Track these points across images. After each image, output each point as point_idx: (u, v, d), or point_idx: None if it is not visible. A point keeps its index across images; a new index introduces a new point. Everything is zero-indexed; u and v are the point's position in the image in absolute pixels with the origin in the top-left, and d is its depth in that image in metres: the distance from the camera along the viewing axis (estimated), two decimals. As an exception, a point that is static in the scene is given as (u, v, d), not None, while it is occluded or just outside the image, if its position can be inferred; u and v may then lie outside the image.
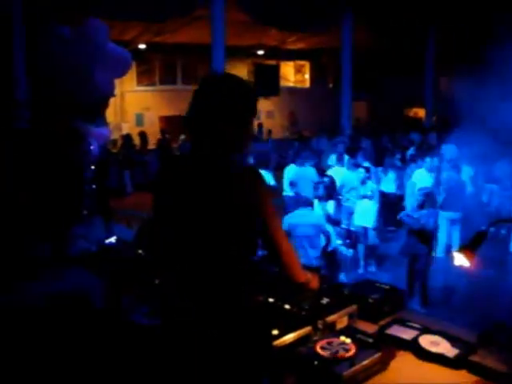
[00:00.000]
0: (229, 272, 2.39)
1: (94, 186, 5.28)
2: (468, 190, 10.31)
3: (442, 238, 9.58)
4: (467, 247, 2.75)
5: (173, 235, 2.47)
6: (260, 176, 2.42)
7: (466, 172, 10.58)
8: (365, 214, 9.26)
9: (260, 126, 20.33)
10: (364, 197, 9.25)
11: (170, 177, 2.50)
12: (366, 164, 10.54)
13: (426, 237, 7.45)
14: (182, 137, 16.46)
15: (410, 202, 9.97)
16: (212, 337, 2.36)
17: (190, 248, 2.41)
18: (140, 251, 3.82)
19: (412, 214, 7.59)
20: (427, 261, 7.41)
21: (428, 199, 7.65)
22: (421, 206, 7.55)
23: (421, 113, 23.23)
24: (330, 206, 8.26)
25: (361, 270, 9.08)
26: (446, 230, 9.63)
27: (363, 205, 9.26)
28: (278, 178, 11.01)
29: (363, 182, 9.29)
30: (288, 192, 10.43)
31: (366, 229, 9.27)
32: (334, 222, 8.02)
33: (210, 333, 2.36)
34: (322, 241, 7.46)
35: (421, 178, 10.56)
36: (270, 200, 2.44)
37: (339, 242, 8.46)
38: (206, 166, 2.39)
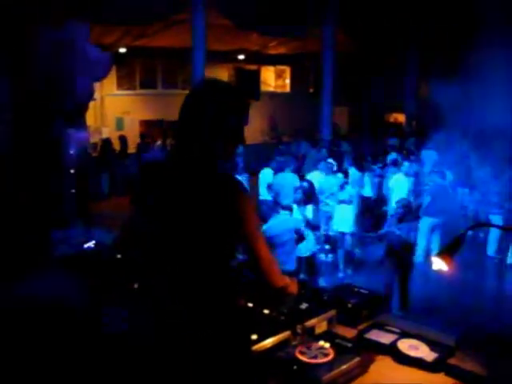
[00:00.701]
0: (208, 276, 2.38)
1: (73, 191, 5.24)
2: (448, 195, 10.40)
3: (421, 242, 9.65)
4: (445, 252, 2.76)
5: (153, 239, 2.46)
6: (241, 184, 2.41)
7: (448, 176, 10.68)
8: (343, 220, 9.31)
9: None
10: (342, 202, 9.30)
11: (152, 181, 2.49)
12: (351, 169, 10.62)
13: (407, 249, 7.49)
14: (159, 142, 16.47)
15: (390, 207, 10.07)
16: (189, 341, 2.35)
17: (169, 252, 2.40)
18: (119, 255, 3.79)
19: (393, 230, 7.60)
20: (407, 271, 7.44)
21: (407, 211, 7.69)
22: (400, 220, 7.56)
23: (401, 118, 23.41)
24: (309, 210, 8.27)
25: (340, 275, 9.12)
26: (426, 235, 9.70)
27: (341, 210, 9.31)
28: (252, 182, 11.00)
29: (342, 187, 9.34)
30: (265, 196, 10.42)
31: (343, 234, 9.32)
32: (312, 226, 8.03)
33: (187, 336, 2.35)
34: (301, 246, 7.48)
35: (399, 182, 10.65)
36: (251, 208, 2.43)
37: (318, 246, 8.48)
38: (190, 171, 2.38)
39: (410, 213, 7.81)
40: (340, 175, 9.57)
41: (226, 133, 2.42)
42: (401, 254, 7.36)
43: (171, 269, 2.40)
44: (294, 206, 7.97)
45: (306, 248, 7.70)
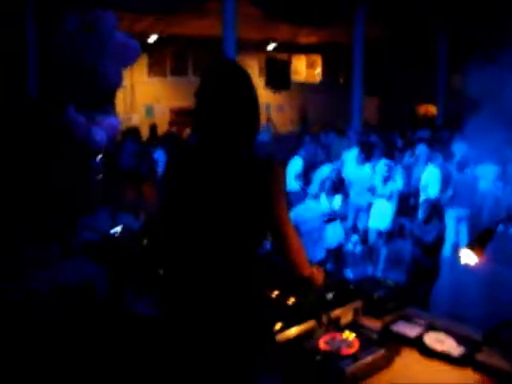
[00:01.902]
0: (237, 264, 2.37)
1: (100, 176, 5.27)
2: (481, 188, 10.23)
3: (449, 236, 9.51)
4: (476, 243, 2.71)
5: (181, 226, 2.45)
6: (272, 166, 2.38)
7: (480, 170, 10.51)
8: (381, 216, 9.08)
9: (269, 119, 20.29)
10: (381, 196, 9.06)
11: (179, 168, 2.48)
12: (385, 161, 10.44)
13: (432, 250, 7.30)
14: (188, 131, 16.43)
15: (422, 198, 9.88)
16: (215, 328, 2.34)
17: (199, 238, 2.39)
18: (145, 241, 3.81)
19: (418, 229, 7.43)
20: (432, 271, 7.26)
21: (434, 211, 7.50)
22: (427, 220, 7.36)
23: (432, 109, 23.08)
24: (337, 200, 8.18)
25: (368, 269, 9.01)
26: (454, 228, 9.56)
27: (380, 206, 9.08)
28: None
29: (385, 181, 9.06)
30: (294, 186, 10.36)
31: (380, 231, 9.13)
32: (340, 217, 7.96)
33: (213, 324, 2.35)
34: (329, 236, 7.42)
35: (431, 175, 10.50)
36: (282, 192, 2.40)
37: (345, 238, 8.41)
38: (216, 157, 2.37)
39: (437, 214, 7.61)
40: (384, 168, 9.24)
41: (247, 114, 2.40)
42: (423, 261, 7.16)
43: (198, 255, 2.39)
44: (323, 196, 7.92)
45: (334, 239, 7.63)
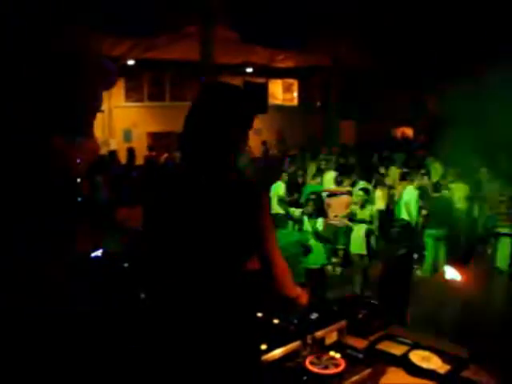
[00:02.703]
0: (221, 286, 2.35)
1: (79, 199, 5.21)
2: (457, 207, 10.34)
3: (428, 256, 9.58)
4: (458, 261, 2.72)
5: (167, 249, 2.42)
6: (259, 190, 2.38)
7: (456, 189, 10.65)
8: (360, 241, 9.08)
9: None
10: (362, 221, 9.07)
11: (164, 192, 2.46)
12: (363, 184, 10.50)
13: (403, 269, 7.26)
14: (165, 155, 16.43)
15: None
16: (199, 350, 2.31)
17: (183, 262, 2.37)
18: (127, 264, 3.76)
19: (389, 247, 7.46)
20: (406, 289, 7.17)
21: (405, 232, 7.52)
22: (397, 241, 7.38)
23: (409, 131, 23.37)
24: (319, 223, 8.21)
25: (349, 288, 9.00)
26: (432, 249, 9.62)
27: (360, 230, 9.07)
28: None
29: (362, 206, 9.08)
30: (276, 210, 10.38)
31: (361, 255, 9.11)
32: (322, 239, 7.98)
33: (198, 346, 2.32)
34: (310, 258, 7.43)
35: (409, 195, 10.60)
36: (268, 215, 2.40)
37: (327, 259, 8.42)
38: (202, 180, 2.35)
39: (407, 234, 7.63)
40: (360, 192, 9.29)
41: (235, 139, 2.40)
42: (397, 278, 7.14)
43: (183, 278, 2.37)
44: (305, 218, 7.94)
45: (315, 260, 7.65)
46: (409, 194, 10.59)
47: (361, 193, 9.28)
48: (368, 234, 8.97)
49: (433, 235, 9.60)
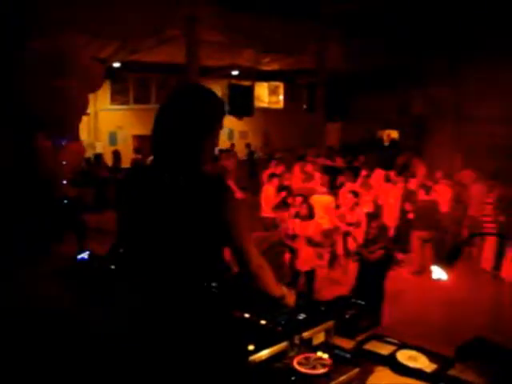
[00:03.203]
0: (198, 287, 2.35)
1: (65, 201, 5.18)
2: (443, 210, 10.42)
3: (415, 257, 9.64)
4: (445, 260, 2.74)
5: (140, 250, 2.42)
6: (228, 188, 2.38)
7: (441, 191, 10.72)
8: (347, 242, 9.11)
9: (233, 146, 20.36)
10: (351, 225, 9.08)
11: (134, 192, 2.45)
12: (349, 186, 10.53)
13: (377, 272, 7.33)
14: (151, 157, 16.31)
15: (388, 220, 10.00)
16: (184, 352, 2.30)
17: (158, 263, 2.37)
18: (113, 266, 3.75)
19: (364, 248, 7.47)
20: (381, 289, 7.20)
21: (381, 233, 7.55)
22: (373, 241, 7.39)
23: (394, 134, 23.45)
24: (311, 225, 8.23)
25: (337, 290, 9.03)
26: (419, 250, 9.68)
27: (348, 233, 9.08)
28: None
29: (351, 208, 9.08)
30: (268, 213, 10.44)
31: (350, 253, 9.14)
32: (313, 242, 8.00)
33: (181, 348, 2.31)
34: (301, 260, 7.48)
35: (394, 197, 10.66)
36: (240, 213, 2.40)
37: (317, 261, 8.42)
38: (171, 180, 2.35)
39: (383, 235, 7.66)
40: (349, 196, 9.28)
41: (206, 136, 2.40)
42: (372, 280, 7.15)
43: (160, 278, 2.36)
44: (297, 222, 7.98)
45: (306, 262, 7.69)
46: (394, 197, 10.65)
47: (350, 195, 9.29)
48: (358, 236, 9.02)
49: (419, 237, 9.66)
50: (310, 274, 7.93)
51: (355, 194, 9.54)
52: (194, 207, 2.30)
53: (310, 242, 7.93)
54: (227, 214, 2.32)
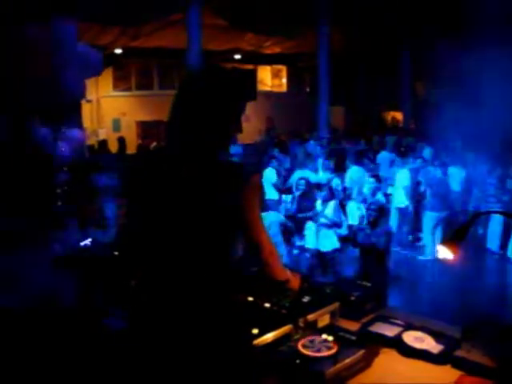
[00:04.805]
0: (210, 271, 2.33)
1: (66, 188, 5.15)
2: (455, 191, 10.40)
3: (427, 239, 9.60)
4: (451, 240, 2.71)
5: (152, 235, 2.39)
6: (246, 173, 2.34)
7: (454, 173, 10.70)
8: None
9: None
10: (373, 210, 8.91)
11: (149, 178, 2.41)
12: (352, 167, 10.47)
13: (379, 256, 7.25)
14: (154, 144, 16.31)
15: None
16: (188, 336, 2.29)
17: (168, 246, 2.34)
18: (116, 252, 3.72)
19: (364, 230, 7.40)
20: (382, 280, 7.00)
21: (381, 215, 7.45)
22: (373, 223, 7.32)
23: (398, 116, 23.37)
24: (330, 207, 8.15)
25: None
26: (431, 231, 9.64)
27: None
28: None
29: (373, 194, 8.89)
30: (270, 195, 10.40)
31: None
32: (334, 224, 7.96)
33: (186, 332, 2.29)
34: (324, 242, 7.49)
35: (403, 178, 10.60)
36: (256, 198, 2.36)
37: (338, 244, 8.26)
38: (190, 162, 2.30)
39: (384, 218, 7.59)
40: (371, 180, 9.08)
41: (226, 121, 2.36)
42: (372, 258, 7.12)
43: (170, 263, 2.34)
44: (318, 203, 7.96)
45: (328, 244, 7.69)
46: (402, 178, 10.59)
47: (371, 180, 9.07)
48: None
49: (432, 218, 9.60)
50: (328, 257, 7.94)
51: (377, 178, 9.27)
52: (210, 194, 2.27)
53: (332, 223, 7.94)
54: (244, 200, 2.29)
